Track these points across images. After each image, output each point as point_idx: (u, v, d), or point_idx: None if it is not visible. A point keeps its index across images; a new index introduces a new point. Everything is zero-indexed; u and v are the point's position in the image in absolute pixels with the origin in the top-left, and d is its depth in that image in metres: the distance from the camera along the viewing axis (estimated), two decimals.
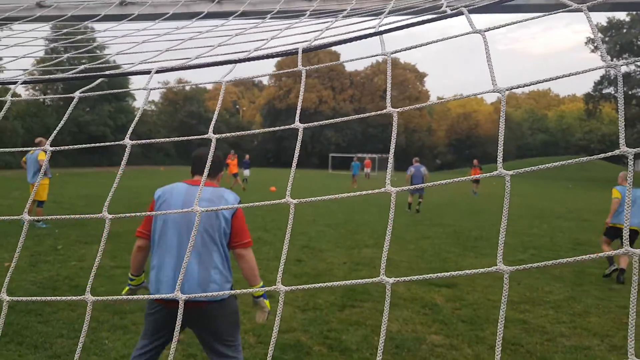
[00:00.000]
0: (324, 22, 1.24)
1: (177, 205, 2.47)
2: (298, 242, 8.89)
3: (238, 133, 1.03)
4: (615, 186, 7.16)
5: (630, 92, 39.96)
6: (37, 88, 45.54)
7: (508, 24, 0.84)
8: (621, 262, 6.61)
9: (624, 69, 40.74)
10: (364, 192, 0.93)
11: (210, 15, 1.83)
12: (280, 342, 4.20)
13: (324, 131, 62.98)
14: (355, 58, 1.02)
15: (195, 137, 1.06)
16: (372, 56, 0.96)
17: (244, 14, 1.76)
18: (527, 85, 0.78)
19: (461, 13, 0.85)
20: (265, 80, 73.67)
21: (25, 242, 8.01)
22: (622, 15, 39.90)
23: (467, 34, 0.83)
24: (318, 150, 62.58)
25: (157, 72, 1.02)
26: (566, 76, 0.75)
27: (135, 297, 0.92)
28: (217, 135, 0.99)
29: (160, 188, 2.69)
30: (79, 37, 1.59)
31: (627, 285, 6.35)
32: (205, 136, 1.07)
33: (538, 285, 6.26)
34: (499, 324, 0.75)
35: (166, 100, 67.00)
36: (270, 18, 1.62)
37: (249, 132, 1.01)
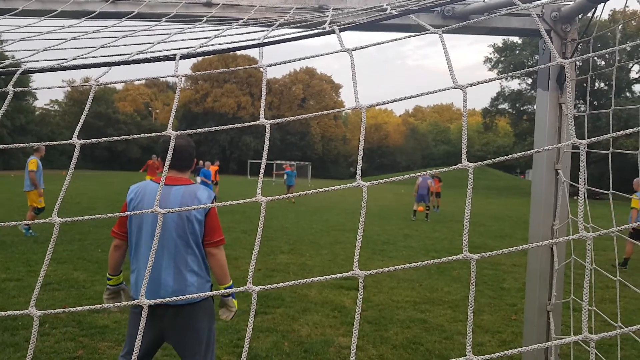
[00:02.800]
0: (216, 30, 1.25)
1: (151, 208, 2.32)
2: None
3: (198, 130, 1.01)
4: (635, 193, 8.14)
5: (521, 109, 44.21)
6: None
7: (374, 44, 0.92)
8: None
9: (515, 87, 45.01)
10: (274, 198, 0.95)
11: (103, 15, 1.75)
12: None
13: (242, 137, 62.29)
14: (237, 68, 1.03)
15: (156, 134, 1.02)
16: (249, 67, 0.99)
17: (140, 16, 1.71)
18: (385, 103, 0.85)
19: (333, 32, 0.91)
20: (181, 83, 71.21)
21: None
22: (515, 38, 44.21)
23: (338, 52, 0.89)
24: (237, 155, 61.73)
25: (24, 72, 0.95)
26: (402, 99, 0.84)
27: (81, 308, 0.84)
28: (176, 132, 0.95)
29: (133, 187, 2.60)
30: None
31: (516, 284, 7.00)
32: (165, 133, 1.02)
33: (438, 286, 6.68)
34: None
35: (71, 100, 62.05)
36: (166, 21, 1.59)
37: (212, 128, 0.99)
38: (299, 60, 0.92)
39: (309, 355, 4.14)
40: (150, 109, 71.79)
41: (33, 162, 9.30)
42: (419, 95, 0.84)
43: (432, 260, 0.81)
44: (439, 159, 73.40)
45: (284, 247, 9.23)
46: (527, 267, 2.03)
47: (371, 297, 5.90)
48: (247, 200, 0.90)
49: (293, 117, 0.94)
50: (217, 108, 63.10)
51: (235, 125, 0.97)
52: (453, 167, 0.85)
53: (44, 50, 1.12)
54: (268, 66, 0.89)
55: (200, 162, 20.90)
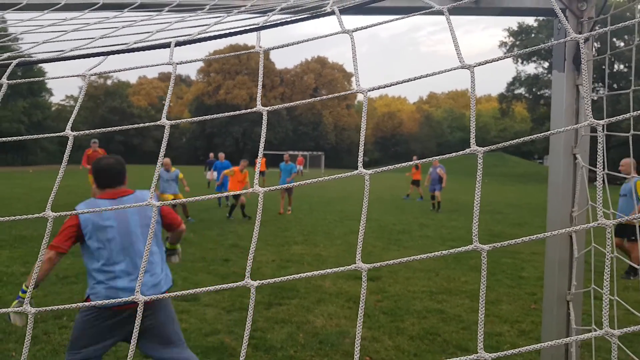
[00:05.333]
0: (216, 17, 1.21)
1: (125, 223, 2.67)
2: (227, 240, 8.74)
3: (197, 118, 0.99)
4: None
5: (538, 93, 43.39)
6: None
7: (377, 24, 0.87)
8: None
9: (532, 71, 44.15)
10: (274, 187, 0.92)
11: (106, 7, 1.72)
12: (204, 345, 4.10)
13: (255, 128, 62.36)
14: (229, 54, 1.00)
15: (150, 123, 1.00)
16: (245, 52, 0.95)
17: (143, 6, 1.67)
18: (387, 86, 0.80)
19: (333, 13, 0.86)
20: (193, 76, 71.50)
21: None
22: (530, 21, 43.26)
23: (336, 33, 0.85)
24: (250, 147, 61.80)
25: (19, 64, 0.93)
26: (418, 78, 0.79)
27: (93, 303, 0.83)
28: (170, 122, 0.93)
29: (81, 212, 2.64)
30: None
31: (536, 273, 6.89)
32: (159, 122, 1.01)
33: (455, 276, 6.61)
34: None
35: (86, 95, 62.43)
36: (168, 11, 1.55)
37: (211, 116, 0.97)
38: (298, 43, 0.88)
39: (324, 347, 4.14)
40: (163, 102, 72.29)
41: None
42: (424, 77, 0.80)
43: (440, 252, 0.77)
44: (455, 146, 72.51)
45: (297, 238, 9.23)
46: (546, 255, 1.97)
47: (387, 288, 5.86)
48: (245, 191, 0.86)
49: (285, 105, 0.90)
50: (230, 100, 63.15)
51: (230, 114, 0.93)
52: (462, 152, 0.80)
53: (43, 42, 1.10)
54: (265, 50, 0.85)
55: (211, 154, 20.65)
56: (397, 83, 0.78)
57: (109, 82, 64.83)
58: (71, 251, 2.77)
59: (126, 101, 63.06)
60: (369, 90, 0.78)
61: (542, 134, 0.88)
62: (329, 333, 4.42)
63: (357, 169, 0.84)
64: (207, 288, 0.86)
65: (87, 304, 0.91)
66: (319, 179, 0.90)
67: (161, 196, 10.72)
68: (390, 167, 0.80)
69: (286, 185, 0.84)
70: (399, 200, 17.63)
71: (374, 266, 0.82)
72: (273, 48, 0.88)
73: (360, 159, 0.78)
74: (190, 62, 0.93)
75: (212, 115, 0.96)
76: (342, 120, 68.33)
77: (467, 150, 0.78)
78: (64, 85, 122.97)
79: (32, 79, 0.98)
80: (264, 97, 65.66)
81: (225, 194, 0.92)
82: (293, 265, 7.02)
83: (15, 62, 0.88)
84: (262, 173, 23.42)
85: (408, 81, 0.77)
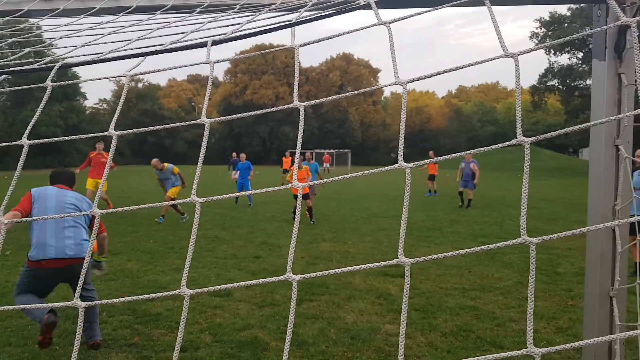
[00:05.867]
0: (249, 16, 1.22)
1: (52, 201, 3.91)
2: (257, 238, 8.83)
3: (231, 117, 1.02)
4: None
5: (572, 84, 42.01)
6: None
7: (414, 15, 0.85)
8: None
9: (565, 62, 42.76)
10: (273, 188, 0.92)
11: (139, 10, 1.76)
12: (237, 339, 4.17)
13: (281, 127, 62.69)
14: (262, 51, 1.00)
15: (189, 122, 1.05)
16: (281, 49, 0.95)
17: (174, 8, 1.70)
18: (427, 77, 0.79)
19: (369, 6, 0.85)
20: (220, 77, 72.40)
21: None
22: (563, 10, 41.90)
23: (372, 25, 0.83)
24: (276, 146, 62.21)
25: (62, 67, 0.96)
26: (461, 68, 0.77)
27: (136, 297, 0.86)
28: (210, 120, 0.96)
29: (36, 189, 3.99)
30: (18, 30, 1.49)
31: (572, 269, 6.69)
32: (199, 121, 1.04)
33: (488, 272, 6.49)
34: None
35: (118, 98, 64.62)
36: (200, 12, 1.57)
37: (246, 114, 1.00)
38: (333, 37, 0.87)
39: (355, 342, 4.13)
40: (193, 104, 73.61)
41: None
42: (466, 66, 0.78)
43: (486, 246, 0.75)
44: (485, 141, 70.91)
45: (326, 235, 9.24)
46: (587, 250, 1.90)
47: (418, 285, 5.80)
48: (283, 187, 0.86)
49: (323, 100, 0.90)
50: (256, 100, 63.68)
51: (269, 110, 0.94)
52: (507, 143, 0.77)
53: (82, 46, 1.13)
54: (301, 46, 0.85)
55: (234, 153, 20.90)
56: (438, 73, 0.77)
57: (140, 85, 66.40)
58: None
59: (157, 103, 64.49)
60: (408, 82, 0.77)
61: (584, 124, 0.85)
62: (360, 329, 4.42)
63: (385, 165, 0.82)
64: (249, 282, 0.87)
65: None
66: (358, 173, 0.89)
67: (166, 195, 10.77)
68: (432, 160, 0.78)
69: (323, 181, 0.83)
70: (426, 197, 17.39)
71: (417, 260, 0.81)
72: (307, 44, 0.88)
73: (400, 152, 0.77)
74: (226, 60, 0.94)
75: (249, 113, 0.98)
76: (369, 117, 67.85)
77: (514, 141, 0.76)
78: (97, 89, 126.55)
79: (72, 81, 1.01)
80: (290, 96, 65.90)
81: (261, 191, 0.93)
82: (321, 262, 7.03)
83: (58, 64, 0.91)
84: (285, 171, 23.51)
85: (449, 71, 0.76)
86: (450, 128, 70.26)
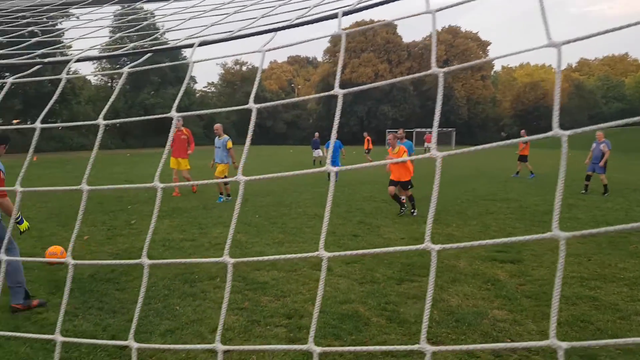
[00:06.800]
0: None
1: None
2: (355, 217, 8.92)
3: (275, 102, 1.05)
4: None
5: None
6: (102, 73, 48.14)
7: None
8: None
9: None
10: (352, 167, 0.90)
11: None
12: (339, 312, 4.28)
13: (380, 106, 61.89)
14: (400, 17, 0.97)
15: (237, 107, 1.11)
16: (417, 14, 0.92)
17: None
18: (581, 39, 0.70)
19: None
20: (319, 57, 73.31)
21: (102, 217, 8.65)
22: None
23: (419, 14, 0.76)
24: (374, 125, 61.69)
25: (200, 44, 1.03)
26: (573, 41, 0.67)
27: (192, 260, 0.96)
28: (257, 105, 1.01)
29: None
30: (130, 17, 1.65)
31: None
32: (247, 106, 1.11)
33: (611, 262, 5.88)
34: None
35: (225, 81, 68.70)
36: None
37: (285, 101, 1.03)
38: (441, 10, 0.81)
39: (460, 325, 4.03)
40: (292, 85, 75.71)
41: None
42: (626, 26, 0.68)
43: (605, 228, 0.67)
44: (610, 119, 63.11)
45: (427, 217, 9.02)
46: None
47: (530, 271, 5.45)
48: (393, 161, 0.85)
49: (366, 86, 0.85)
50: (355, 79, 63.34)
51: (313, 95, 0.92)
52: (633, 119, 0.67)
53: (212, 25, 1.21)
54: (436, 10, 0.81)
55: (317, 133, 21.03)
56: (592, 35, 0.68)
57: (244, 68, 69.75)
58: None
59: (260, 85, 67.30)
60: (564, 44, 0.70)
61: None
62: (465, 313, 4.28)
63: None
64: (383, 249, 0.87)
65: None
66: (494, 144, 0.84)
67: (217, 165, 10.66)
68: (586, 128, 0.71)
69: (415, 157, 0.80)
70: (544, 178, 16.03)
71: (574, 235, 0.75)
72: (447, 6, 0.84)
73: (555, 118, 0.71)
74: (359, 29, 0.93)
75: (372, 84, 0.96)
76: (477, 93, 64.18)
77: None
78: (205, 72, 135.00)
79: (205, 59, 1.09)
80: (389, 73, 64.62)
81: (282, 174, 0.92)
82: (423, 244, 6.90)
83: (197, 42, 0.99)
84: (368, 151, 23.19)
85: (604, 33, 0.67)
86: (570, 105, 63.50)
